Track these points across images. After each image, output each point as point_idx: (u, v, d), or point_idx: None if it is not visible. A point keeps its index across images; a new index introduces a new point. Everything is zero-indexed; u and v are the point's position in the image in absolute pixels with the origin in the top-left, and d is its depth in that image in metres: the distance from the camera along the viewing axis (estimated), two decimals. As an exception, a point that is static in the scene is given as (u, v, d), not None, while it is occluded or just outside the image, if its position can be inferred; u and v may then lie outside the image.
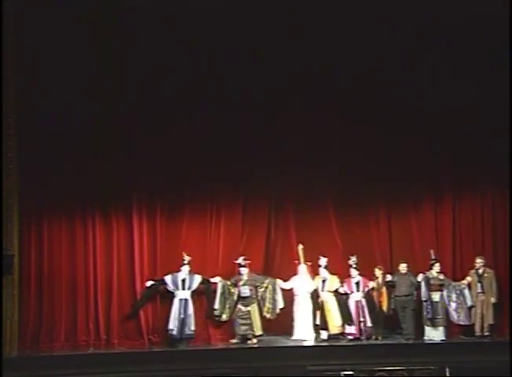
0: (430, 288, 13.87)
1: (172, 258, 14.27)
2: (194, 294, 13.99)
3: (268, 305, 14.06)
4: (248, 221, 14.77)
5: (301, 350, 13.59)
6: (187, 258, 14.00)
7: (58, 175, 14.11)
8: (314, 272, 14.29)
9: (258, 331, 14.00)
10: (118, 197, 14.37)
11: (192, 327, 13.82)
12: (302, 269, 14.25)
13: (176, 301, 13.86)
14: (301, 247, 14.31)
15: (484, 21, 14.21)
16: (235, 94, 14.60)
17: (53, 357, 13.40)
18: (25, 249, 13.94)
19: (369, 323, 13.84)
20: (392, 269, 14.47)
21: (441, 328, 13.82)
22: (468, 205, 14.81)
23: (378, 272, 14.08)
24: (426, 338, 13.86)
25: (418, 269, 14.20)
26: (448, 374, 12.17)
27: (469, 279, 14.05)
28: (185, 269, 13.95)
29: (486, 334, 13.80)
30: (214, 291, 14.06)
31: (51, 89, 14.02)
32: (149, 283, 13.96)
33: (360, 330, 13.86)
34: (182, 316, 13.75)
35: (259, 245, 14.70)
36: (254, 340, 13.95)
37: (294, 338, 14.03)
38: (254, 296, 14.06)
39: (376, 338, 13.90)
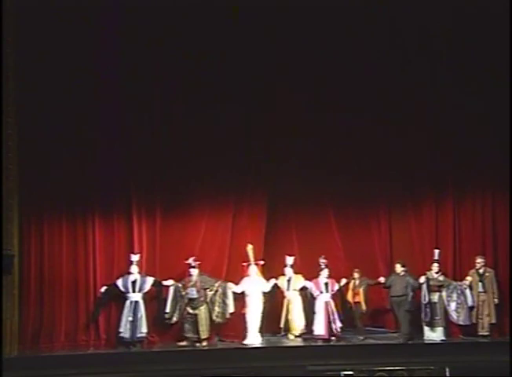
0: (429, 289, 13.82)
1: (171, 257, 14.26)
2: (146, 296, 13.79)
3: (217, 308, 13.77)
4: (248, 223, 14.71)
5: (301, 350, 13.59)
6: (135, 259, 13.81)
7: (58, 175, 14.11)
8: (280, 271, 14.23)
9: (204, 335, 13.69)
10: (118, 197, 14.37)
11: (144, 330, 13.60)
12: (253, 269, 14.07)
13: (127, 304, 13.61)
14: (250, 247, 14.16)
15: (484, 21, 14.22)
16: (235, 95, 14.59)
17: (53, 357, 13.39)
18: (25, 249, 13.94)
19: (339, 324, 13.78)
20: (392, 270, 14.43)
21: (440, 329, 13.79)
22: (468, 205, 14.78)
23: (356, 275, 14.05)
24: (425, 338, 13.84)
25: (419, 269, 14.16)
26: (447, 374, 12.17)
27: (469, 279, 14.02)
28: (134, 269, 13.72)
29: (486, 333, 13.79)
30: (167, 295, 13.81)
31: (51, 89, 14.03)
32: (103, 289, 13.77)
33: (329, 331, 13.77)
34: (131, 318, 13.51)
35: (258, 247, 14.60)
36: (204, 343, 13.69)
37: (247, 340, 13.79)
38: (202, 298, 13.74)
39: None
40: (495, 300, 13.86)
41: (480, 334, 13.84)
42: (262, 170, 14.69)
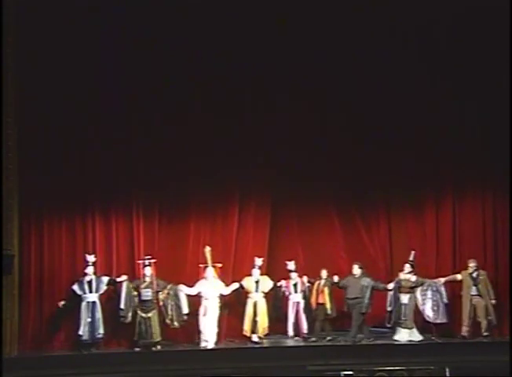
0: (400, 290, 13.66)
1: (171, 259, 14.26)
2: (102, 296, 13.63)
3: (170, 312, 13.51)
4: (249, 225, 14.73)
5: (301, 350, 13.57)
6: (91, 259, 13.66)
7: (58, 175, 14.12)
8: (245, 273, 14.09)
9: (157, 338, 13.50)
10: (118, 197, 14.38)
11: (101, 331, 13.43)
12: (210, 272, 13.83)
13: (83, 305, 13.42)
14: (208, 249, 13.94)
15: (483, 22, 14.24)
16: (235, 95, 14.61)
17: (53, 357, 13.40)
18: (25, 249, 13.94)
19: (305, 325, 13.84)
20: (392, 272, 14.47)
21: (408, 330, 13.55)
22: (468, 205, 14.75)
23: (323, 274, 13.93)
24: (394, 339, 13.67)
25: (418, 269, 14.02)
26: (447, 374, 12.17)
27: (458, 277, 13.86)
28: (90, 270, 13.56)
29: (485, 334, 13.73)
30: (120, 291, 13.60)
31: (51, 89, 14.04)
32: (61, 304, 13.57)
33: (296, 331, 13.87)
34: (89, 319, 13.34)
35: (263, 249, 14.62)
36: (159, 347, 13.52)
37: (202, 345, 13.62)
38: (155, 301, 13.49)
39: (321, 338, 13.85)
40: (493, 301, 13.73)
41: (480, 334, 13.75)
42: (263, 174, 14.67)
